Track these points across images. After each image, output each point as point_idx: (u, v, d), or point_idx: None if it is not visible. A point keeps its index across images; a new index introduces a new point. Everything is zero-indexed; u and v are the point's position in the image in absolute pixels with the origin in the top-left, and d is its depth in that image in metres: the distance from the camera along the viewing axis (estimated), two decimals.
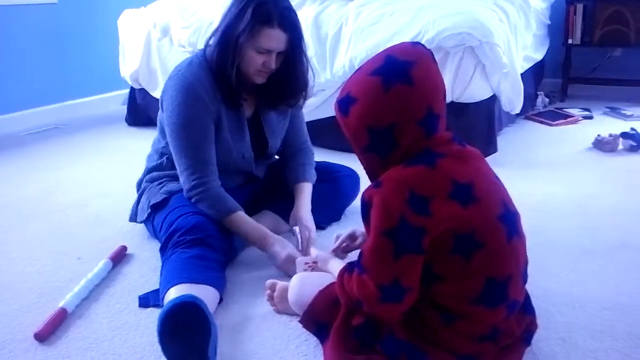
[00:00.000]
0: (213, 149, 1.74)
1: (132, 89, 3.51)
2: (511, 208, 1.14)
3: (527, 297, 1.23)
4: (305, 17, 2.87)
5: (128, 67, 3.40)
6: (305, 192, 1.88)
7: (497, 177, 1.18)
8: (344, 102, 1.11)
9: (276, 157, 2.04)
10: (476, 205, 1.06)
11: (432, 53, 1.13)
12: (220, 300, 1.50)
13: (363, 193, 1.10)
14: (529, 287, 1.24)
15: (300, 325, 1.34)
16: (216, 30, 1.72)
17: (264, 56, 1.67)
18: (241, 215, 1.71)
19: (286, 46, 1.68)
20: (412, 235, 1.03)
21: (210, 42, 1.74)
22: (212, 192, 1.70)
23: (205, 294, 1.39)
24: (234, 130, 1.79)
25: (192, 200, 1.71)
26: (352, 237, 1.57)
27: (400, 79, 1.05)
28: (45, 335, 1.39)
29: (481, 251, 1.05)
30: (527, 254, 1.18)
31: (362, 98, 1.08)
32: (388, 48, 1.13)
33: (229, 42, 1.66)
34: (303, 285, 1.35)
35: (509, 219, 1.11)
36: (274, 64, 1.69)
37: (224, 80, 1.70)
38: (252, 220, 1.73)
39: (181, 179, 1.74)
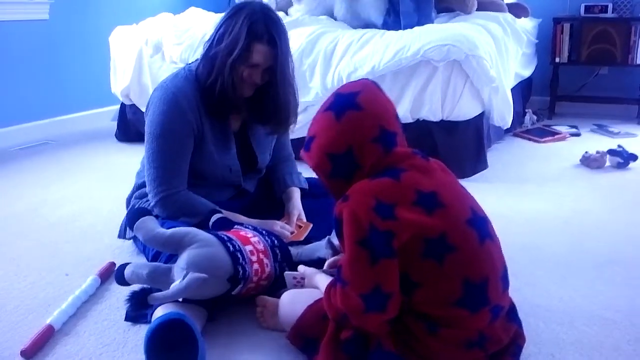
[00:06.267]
0: (186, 163, 1.76)
1: (123, 105, 3.51)
2: (480, 213, 1.18)
3: (512, 306, 1.24)
4: (300, 34, 2.90)
5: (119, 83, 3.41)
6: (296, 195, 1.93)
7: (463, 188, 1.23)
8: (307, 143, 1.22)
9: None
10: (442, 211, 1.11)
11: (376, 83, 1.24)
12: (209, 317, 1.49)
13: (334, 209, 1.15)
14: (518, 302, 1.25)
15: (289, 343, 1.34)
16: (207, 43, 1.76)
17: (250, 69, 1.71)
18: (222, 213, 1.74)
19: (273, 62, 1.72)
20: (382, 240, 1.07)
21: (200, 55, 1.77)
22: (182, 198, 1.73)
23: (193, 311, 1.39)
24: (218, 143, 1.80)
25: (157, 210, 1.73)
26: (331, 245, 1.56)
27: (350, 107, 1.17)
28: (31, 353, 1.37)
29: (454, 254, 1.09)
30: (513, 263, 1.20)
31: (319, 133, 1.20)
32: (335, 89, 1.26)
33: (219, 55, 1.69)
34: (294, 303, 1.36)
35: (478, 223, 1.15)
36: (259, 79, 1.73)
37: (212, 92, 1.72)
38: (230, 213, 1.76)
39: (148, 188, 1.76)
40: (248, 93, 1.77)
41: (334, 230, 1.70)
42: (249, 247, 1.50)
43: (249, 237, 1.55)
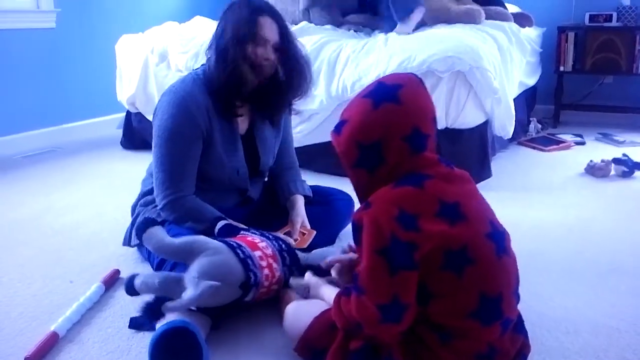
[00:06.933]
0: (195, 167, 1.77)
1: (128, 113, 3.53)
2: (499, 227, 1.17)
3: (520, 317, 1.23)
4: (304, 43, 2.90)
5: (125, 91, 3.43)
6: (300, 203, 1.93)
7: (484, 199, 1.21)
8: (339, 125, 1.19)
9: (266, 179, 2.07)
10: (464, 223, 1.09)
11: (421, 79, 1.19)
12: (214, 325, 1.49)
13: (353, 215, 1.13)
14: (523, 311, 1.24)
15: (294, 353, 1.33)
16: (212, 39, 1.80)
17: (261, 48, 1.73)
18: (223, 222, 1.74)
19: (279, 36, 1.75)
20: (404, 251, 1.05)
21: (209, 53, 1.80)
22: (189, 203, 1.74)
23: (198, 318, 1.39)
24: (227, 145, 1.81)
25: (164, 214, 1.74)
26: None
27: (389, 99, 1.13)
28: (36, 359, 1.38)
29: (472, 267, 1.08)
30: (519, 275, 1.19)
31: (353, 118, 1.16)
32: (380, 77, 1.21)
33: (227, 42, 1.72)
34: (299, 315, 1.35)
35: (497, 237, 1.13)
36: (271, 55, 1.74)
37: (221, 89, 1.74)
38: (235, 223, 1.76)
39: (155, 191, 1.77)
40: (263, 75, 1.76)
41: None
42: (258, 253, 1.51)
43: (257, 242, 1.55)
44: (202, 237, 1.50)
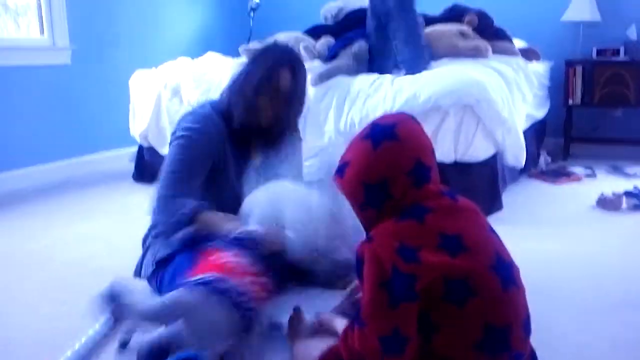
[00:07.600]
0: (197, 180, 1.82)
1: (141, 147, 3.57)
2: (506, 259, 1.16)
3: (533, 353, 1.21)
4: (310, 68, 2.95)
5: (138, 125, 3.48)
6: None
7: (492, 230, 1.21)
8: (340, 168, 1.21)
9: None
10: (466, 254, 1.10)
11: (413, 117, 1.23)
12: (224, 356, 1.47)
13: (356, 249, 1.14)
14: (535, 346, 1.23)
15: None
16: (237, 75, 1.90)
17: (272, 97, 1.82)
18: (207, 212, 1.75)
19: (289, 86, 1.83)
20: (405, 283, 1.06)
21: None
22: (176, 204, 1.75)
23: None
24: (239, 173, 1.87)
25: (155, 217, 1.81)
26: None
27: (387, 137, 1.16)
28: None
29: (475, 299, 1.07)
30: (529, 307, 1.18)
31: (354, 160, 1.18)
32: (373, 120, 1.25)
33: (245, 83, 1.83)
34: (306, 352, 1.34)
35: (503, 269, 1.13)
36: (278, 107, 1.84)
37: (235, 124, 1.83)
38: (218, 213, 1.76)
39: (162, 183, 1.81)
40: (266, 120, 1.85)
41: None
42: (244, 280, 1.48)
43: (232, 262, 1.51)
44: (180, 296, 1.42)
